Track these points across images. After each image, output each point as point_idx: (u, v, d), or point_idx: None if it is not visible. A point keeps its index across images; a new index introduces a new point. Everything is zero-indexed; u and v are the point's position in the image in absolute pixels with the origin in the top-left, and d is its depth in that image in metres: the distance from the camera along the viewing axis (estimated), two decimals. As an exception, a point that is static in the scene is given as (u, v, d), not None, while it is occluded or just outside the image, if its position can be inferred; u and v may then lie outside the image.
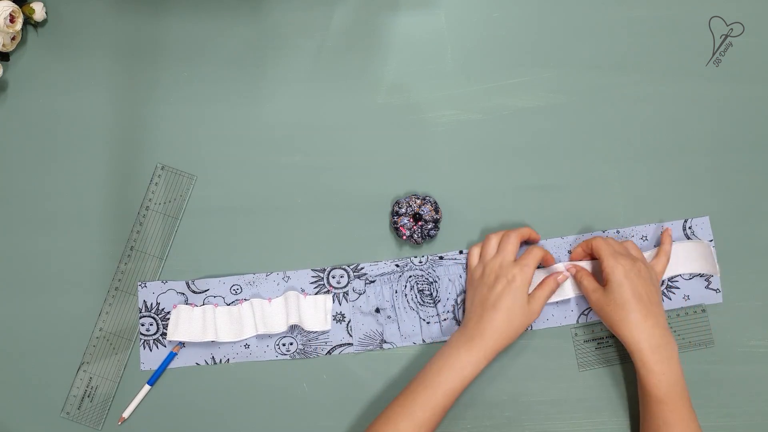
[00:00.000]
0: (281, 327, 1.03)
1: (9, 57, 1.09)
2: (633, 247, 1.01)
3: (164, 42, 1.09)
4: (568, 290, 1.02)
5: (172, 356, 1.04)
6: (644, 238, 1.04)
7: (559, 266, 1.03)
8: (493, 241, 1.01)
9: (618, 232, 1.04)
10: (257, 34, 1.09)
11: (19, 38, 1.08)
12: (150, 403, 1.04)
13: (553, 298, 1.02)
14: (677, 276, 1.03)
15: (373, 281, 1.05)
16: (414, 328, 1.04)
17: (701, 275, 1.03)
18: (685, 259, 1.03)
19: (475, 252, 1.03)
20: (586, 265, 1.02)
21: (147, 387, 1.04)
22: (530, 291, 0.99)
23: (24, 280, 1.06)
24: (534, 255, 0.98)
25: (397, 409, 0.95)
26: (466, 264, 1.04)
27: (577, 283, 1.01)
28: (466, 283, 1.04)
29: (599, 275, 1.00)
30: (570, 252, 1.04)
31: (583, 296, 1.02)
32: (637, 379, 0.97)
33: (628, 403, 1.03)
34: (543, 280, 1.00)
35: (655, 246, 1.04)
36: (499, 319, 0.95)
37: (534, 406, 1.03)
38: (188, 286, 1.05)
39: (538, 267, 1.03)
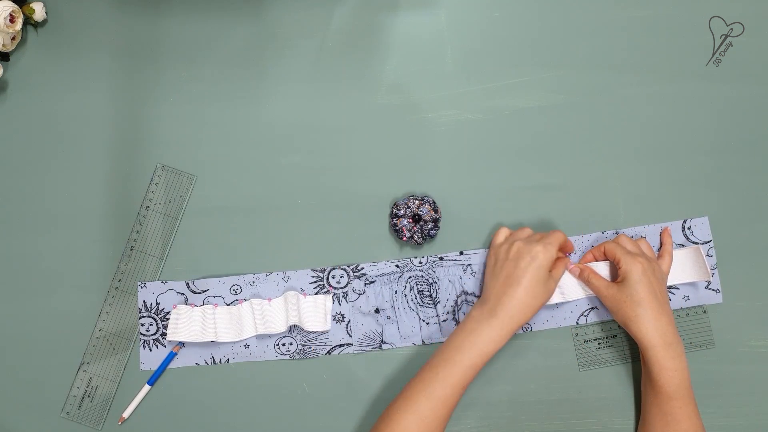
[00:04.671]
0: (281, 327, 1.03)
1: (9, 57, 1.09)
2: (647, 246, 1.02)
3: (164, 42, 1.09)
4: (577, 291, 1.03)
5: (171, 356, 1.04)
6: (644, 238, 1.04)
7: (573, 294, 1.04)
8: (527, 231, 1.01)
9: (617, 232, 1.04)
10: (257, 34, 1.09)
11: (19, 38, 1.08)
12: (150, 403, 1.04)
13: (559, 299, 1.02)
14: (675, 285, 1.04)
15: (373, 282, 1.05)
16: (413, 329, 1.04)
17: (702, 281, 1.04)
18: (679, 269, 1.03)
19: (504, 231, 1.03)
20: (595, 265, 1.02)
21: (147, 387, 1.04)
22: None
23: (24, 280, 1.06)
24: (557, 237, 0.99)
25: (418, 386, 0.95)
26: (491, 241, 1.04)
27: (585, 282, 1.01)
28: (487, 257, 1.03)
29: (606, 274, 1.02)
30: (570, 253, 1.04)
31: (587, 298, 1.03)
32: (646, 377, 0.98)
33: (629, 403, 1.03)
34: (555, 261, 1.00)
35: (656, 247, 1.04)
36: (523, 294, 0.95)
37: (534, 406, 1.03)
38: (188, 287, 1.05)
39: None
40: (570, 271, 1.02)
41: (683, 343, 0.97)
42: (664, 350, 0.94)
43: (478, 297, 1.04)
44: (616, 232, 1.04)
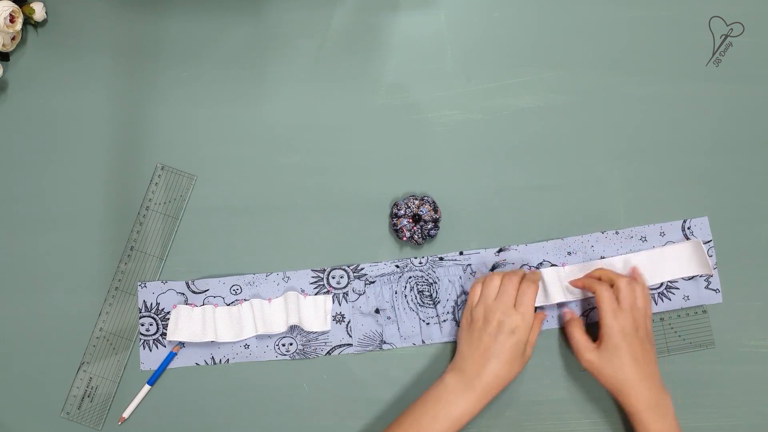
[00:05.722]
0: (281, 327, 1.03)
1: (9, 57, 1.09)
2: (641, 292, 0.98)
3: (164, 42, 1.09)
4: (560, 296, 1.03)
5: (171, 356, 1.04)
6: (643, 238, 1.04)
7: (557, 297, 1.03)
8: (495, 281, 0.99)
9: (617, 233, 1.04)
10: (257, 34, 1.09)
11: (19, 38, 1.08)
12: (150, 403, 1.04)
13: (542, 302, 1.03)
14: (676, 279, 1.04)
15: (373, 282, 1.05)
16: (414, 329, 1.04)
17: (700, 275, 1.03)
18: (679, 263, 1.03)
19: (477, 289, 1.00)
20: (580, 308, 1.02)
21: (147, 387, 1.04)
22: None
23: (24, 280, 1.06)
24: (530, 296, 0.96)
25: None
26: (467, 301, 1.01)
27: (568, 334, 1.00)
28: (462, 318, 1.01)
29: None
30: (570, 254, 1.04)
31: (584, 299, 1.04)
32: None
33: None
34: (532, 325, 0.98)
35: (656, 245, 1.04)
36: (503, 369, 0.95)
37: (534, 406, 1.03)
38: (188, 287, 1.05)
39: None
40: (564, 314, 1.02)
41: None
42: (647, 414, 0.93)
43: None
44: (617, 233, 1.04)
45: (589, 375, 1.02)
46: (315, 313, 1.04)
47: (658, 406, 0.94)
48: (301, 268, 1.05)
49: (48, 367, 1.05)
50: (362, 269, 1.05)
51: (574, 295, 1.03)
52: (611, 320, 0.95)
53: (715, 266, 1.04)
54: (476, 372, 0.95)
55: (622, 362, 0.94)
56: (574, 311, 1.04)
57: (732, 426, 1.02)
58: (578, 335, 0.98)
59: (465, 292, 1.04)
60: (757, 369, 1.03)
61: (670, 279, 1.03)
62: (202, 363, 1.04)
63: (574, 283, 1.02)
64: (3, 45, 1.06)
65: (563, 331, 1.03)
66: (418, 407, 0.96)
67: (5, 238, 1.07)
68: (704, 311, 1.04)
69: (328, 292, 1.05)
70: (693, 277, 1.04)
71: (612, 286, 0.98)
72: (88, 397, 1.04)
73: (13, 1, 1.05)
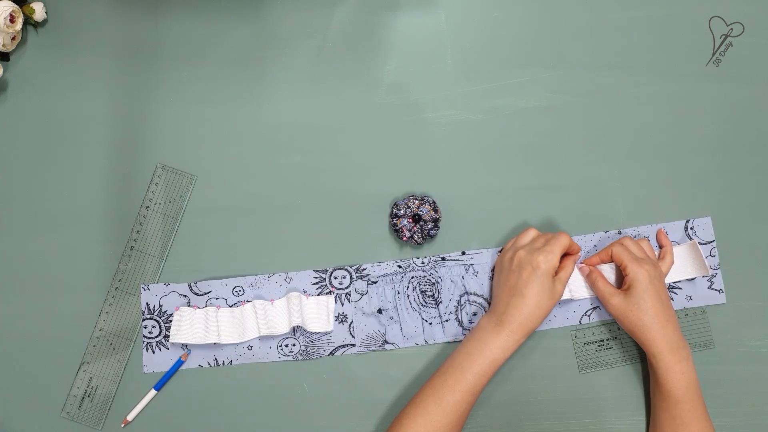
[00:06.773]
0: (284, 328, 1.03)
1: (9, 57, 1.08)
2: (648, 246, 1.01)
3: (164, 42, 1.09)
4: (583, 291, 1.03)
5: (180, 363, 1.03)
6: (646, 238, 1.04)
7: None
8: (530, 233, 1.01)
9: (620, 232, 1.04)
10: (257, 34, 1.09)
11: (19, 38, 1.08)
12: (152, 404, 1.04)
13: (567, 296, 1.02)
14: (678, 280, 1.04)
15: (376, 282, 1.05)
16: (416, 329, 1.04)
17: (702, 276, 1.03)
18: (678, 265, 1.03)
19: (512, 239, 1.03)
20: (600, 267, 1.02)
21: (153, 392, 1.03)
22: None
23: (24, 280, 1.06)
24: (560, 242, 0.98)
25: (428, 391, 0.97)
26: (501, 249, 1.04)
27: (591, 285, 1.01)
28: (495, 265, 1.04)
29: (612, 276, 1.02)
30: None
31: (590, 297, 1.03)
32: (654, 382, 0.98)
33: (629, 403, 1.03)
34: (562, 262, 1.00)
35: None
36: (528, 305, 0.96)
37: (534, 406, 1.03)
38: (190, 288, 1.05)
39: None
40: (579, 270, 1.02)
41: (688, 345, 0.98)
42: (670, 355, 0.95)
43: (480, 296, 1.04)
44: (619, 233, 1.04)
45: (589, 376, 1.03)
46: (318, 313, 1.04)
47: (679, 348, 0.96)
48: (303, 269, 1.05)
49: (48, 367, 1.05)
50: (365, 269, 1.05)
51: (591, 292, 1.03)
52: (637, 267, 0.97)
53: (718, 266, 1.04)
54: (505, 310, 0.97)
55: (648, 305, 0.96)
56: (575, 307, 1.04)
57: (732, 426, 1.02)
58: (601, 283, 1.00)
59: (467, 292, 1.04)
60: (757, 369, 1.03)
61: (670, 281, 1.03)
62: (205, 365, 1.04)
63: (589, 261, 1.03)
64: (3, 45, 1.06)
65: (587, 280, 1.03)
66: (458, 348, 0.99)
67: (5, 238, 1.07)
68: (703, 311, 1.04)
69: (330, 292, 1.05)
70: (694, 278, 1.04)
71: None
72: (89, 397, 1.04)
73: (13, 1, 1.05)
